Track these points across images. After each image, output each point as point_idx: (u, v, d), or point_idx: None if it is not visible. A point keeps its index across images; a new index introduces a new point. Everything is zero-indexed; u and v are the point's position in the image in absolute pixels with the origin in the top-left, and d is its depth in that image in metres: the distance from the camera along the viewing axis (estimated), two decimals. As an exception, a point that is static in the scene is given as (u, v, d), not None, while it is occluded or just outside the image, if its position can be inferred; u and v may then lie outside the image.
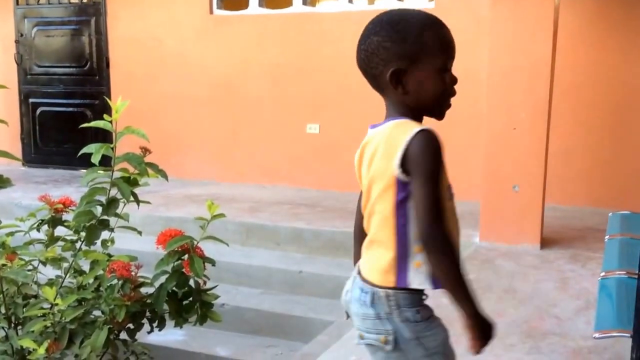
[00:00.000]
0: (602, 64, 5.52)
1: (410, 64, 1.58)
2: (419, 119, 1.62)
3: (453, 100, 1.66)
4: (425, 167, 1.50)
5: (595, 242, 4.49)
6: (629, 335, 1.84)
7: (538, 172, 4.44)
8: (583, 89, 5.58)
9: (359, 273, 1.70)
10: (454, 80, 1.62)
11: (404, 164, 1.52)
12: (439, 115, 1.64)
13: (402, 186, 1.55)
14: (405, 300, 1.62)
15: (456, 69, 1.66)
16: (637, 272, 2.12)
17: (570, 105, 5.55)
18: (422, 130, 1.51)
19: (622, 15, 5.47)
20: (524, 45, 4.36)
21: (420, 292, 1.64)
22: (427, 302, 1.66)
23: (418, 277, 1.59)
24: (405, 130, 1.53)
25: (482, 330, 1.59)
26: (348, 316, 1.78)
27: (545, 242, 4.58)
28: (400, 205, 1.56)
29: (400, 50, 1.57)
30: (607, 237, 3.03)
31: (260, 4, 6.83)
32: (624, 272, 2.37)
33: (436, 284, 1.59)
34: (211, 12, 7.01)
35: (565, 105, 5.42)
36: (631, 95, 5.42)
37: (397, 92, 1.59)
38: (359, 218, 1.77)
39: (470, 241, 4.62)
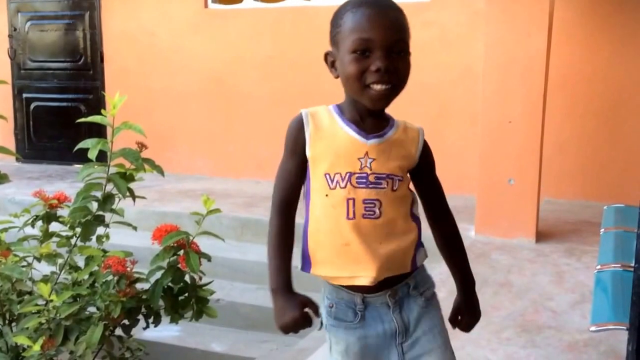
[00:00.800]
0: (596, 59, 5.53)
1: (334, 47, 1.60)
2: (356, 103, 1.60)
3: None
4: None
5: (590, 236, 4.50)
6: (625, 327, 1.85)
7: (533, 165, 4.44)
8: (577, 83, 5.59)
9: None
10: (375, 67, 1.50)
11: None
12: (367, 102, 1.56)
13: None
14: (326, 289, 1.68)
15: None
16: (632, 264, 2.12)
17: (565, 99, 5.55)
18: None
19: (615, 10, 5.47)
20: (519, 39, 4.36)
21: (339, 289, 1.65)
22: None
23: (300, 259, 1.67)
24: None
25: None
26: None
27: (541, 236, 4.59)
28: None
29: (330, 33, 1.61)
30: (602, 230, 3.04)
31: (255, -2, 6.83)
32: (619, 265, 2.38)
33: (304, 267, 1.65)
34: (206, 6, 6.99)
35: (559, 100, 5.43)
36: (624, 89, 5.43)
37: (334, 76, 1.62)
38: None
39: (466, 234, 4.62)
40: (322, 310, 1.68)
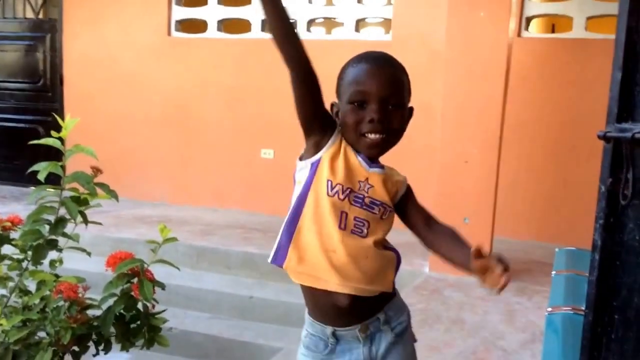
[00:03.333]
0: (551, 103, 5.67)
1: (338, 98, 1.72)
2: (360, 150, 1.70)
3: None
4: None
5: (541, 276, 4.58)
6: (574, 372, 1.89)
7: (488, 205, 4.52)
8: (533, 125, 5.72)
9: None
10: (370, 118, 1.63)
11: None
12: (363, 150, 1.68)
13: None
14: (306, 319, 1.78)
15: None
16: (582, 308, 2.17)
17: (520, 141, 5.68)
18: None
19: (572, 59, 5.63)
20: (477, 81, 4.47)
21: (313, 322, 1.74)
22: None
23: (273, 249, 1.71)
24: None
25: None
26: None
27: (493, 275, 4.64)
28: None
29: (336, 86, 1.74)
30: (553, 272, 3.09)
31: (219, 28, 6.85)
32: (570, 309, 2.42)
33: (276, 259, 1.68)
34: (169, 34, 7.00)
35: (515, 141, 5.54)
36: (579, 133, 5.56)
37: (339, 124, 1.71)
38: None
39: (421, 271, 4.66)
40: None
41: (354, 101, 1.65)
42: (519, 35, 5.64)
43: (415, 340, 1.83)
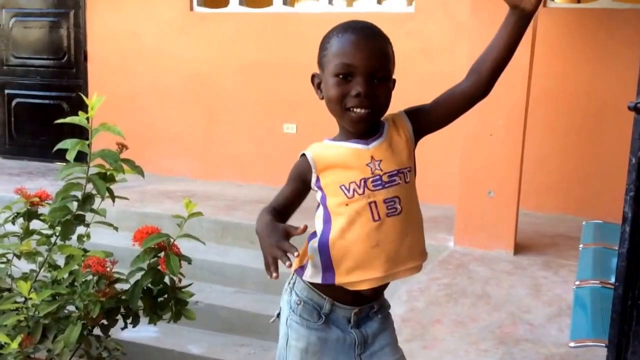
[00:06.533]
0: (579, 74, 5.59)
1: (320, 69, 1.68)
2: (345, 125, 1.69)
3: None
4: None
5: (567, 250, 4.55)
6: (604, 344, 1.88)
7: (513, 178, 4.49)
8: (560, 97, 5.65)
9: None
10: (356, 92, 1.59)
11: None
12: (348, 125, 1.65)
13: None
14: (298, 285, 1.75)
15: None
16: (610, 282, 2.16)
17: (547, 113, 5.61)
18: (301, 155, 1.70)
19: (600, 27, 5.54)
20: (503, 52, 4.40)
21: (311, 289, 1.73)
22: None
23: (310, 271, 1.69)
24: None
25: None
26: None
27: (519, 248, 4.63)
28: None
29: (318, 56, 1.70)
30: (581, 246, 3.07)
31: (241, 3, 6.82)
32: (598, 282, 2.41)
33: (326, 279, 1.67)
34: (191, 8, 6.98)
35: (541, 113, 5.48)
36: (607, 105, 5.49)
37: (319, 97, 1.70)
38: None
39: (445, 245, 4.65)
40: (284, 304, 1.78)
41: (339, 74, 1.60)
42: (544, 5, 5.56)
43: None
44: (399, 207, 1.64)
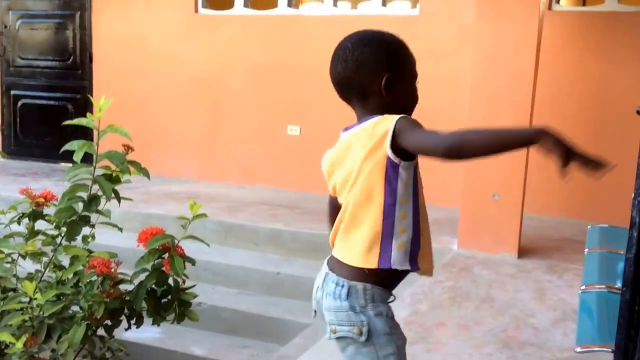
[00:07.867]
0: (585, 77, 5.58)
1: (397, 72, 1.76)
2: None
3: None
4: (412, 123, 1.65)
5: (571, 254, 4.55)
6: (610, 350, 1.87)
7: (518, 181, 4.48)
8: (566, 101, 5.64)
9: (332, 269, 1.82)
10: (417, 94, 1.86)
11: (394, 145, 1.62)
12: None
13: (391, 167, 1.64)
14: (379, 296, 1.74)
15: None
16: (617, 286, 2.15)
17: (552, 116, 5.59)
18: (402, 116, 1.67)
19: (607, 31, 5.54)
20: (507, 56, 4.41)
21: (390, 292, 1.78)
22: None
23: (400, 257, 1.69)
24: (389, 118, 1.66)
25: (554, 142, 1.56)
26: (316, 313, 1.92)
27: (523, 252, 4.62)
28: (389, 185, 1.66)
29: (392, 61, 1.77)
30: (586, 250, 3.05)
31: (246, 4, 6.83)
32: (604, 287, 2.39)
33: (414, 265, 1.72)
34: (196, 10, 6.99)
35: (547, 117, 5.45)
36: (613, 108, 5.49)
37: (385, 97, 1.75)
38: (332, 216, 1.89)
39: (449, 248, 4.65)
40: (373, 321, 1.72)
41: (415, 81, 1.83)
42: (550, 8, 5.56)
43: None
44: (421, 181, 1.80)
